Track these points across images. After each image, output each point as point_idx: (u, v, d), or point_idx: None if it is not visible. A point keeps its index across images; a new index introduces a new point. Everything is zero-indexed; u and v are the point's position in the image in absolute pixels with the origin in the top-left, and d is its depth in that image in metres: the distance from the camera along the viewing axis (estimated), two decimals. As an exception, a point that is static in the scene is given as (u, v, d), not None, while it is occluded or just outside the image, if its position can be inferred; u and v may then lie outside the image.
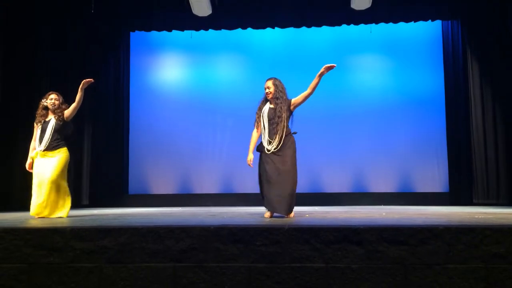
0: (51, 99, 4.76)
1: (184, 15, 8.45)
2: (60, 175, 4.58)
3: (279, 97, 4.32)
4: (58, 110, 4.75)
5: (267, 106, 4.38)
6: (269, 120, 4.29)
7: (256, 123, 4.44)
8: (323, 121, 8.90)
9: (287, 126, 4.30)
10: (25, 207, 4.67)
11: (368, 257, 2.66)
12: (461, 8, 8.45)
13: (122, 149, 9.11)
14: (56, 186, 4.54)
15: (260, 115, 4.37)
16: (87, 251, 2.78)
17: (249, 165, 4.40)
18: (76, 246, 2.79)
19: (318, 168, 8.83)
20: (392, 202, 8.30)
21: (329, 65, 4.21)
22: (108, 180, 8.83)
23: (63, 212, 4.59)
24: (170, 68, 9.49)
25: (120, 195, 8.91)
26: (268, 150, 4.22)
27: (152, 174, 9.14)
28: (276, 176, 4.14)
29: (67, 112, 4.77)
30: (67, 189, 4.68)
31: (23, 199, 4.67)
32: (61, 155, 4.65)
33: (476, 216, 4.09)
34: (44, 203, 4.47)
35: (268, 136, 4.26)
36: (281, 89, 4.36)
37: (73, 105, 4.79)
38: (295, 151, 4.29)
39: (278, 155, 4.20)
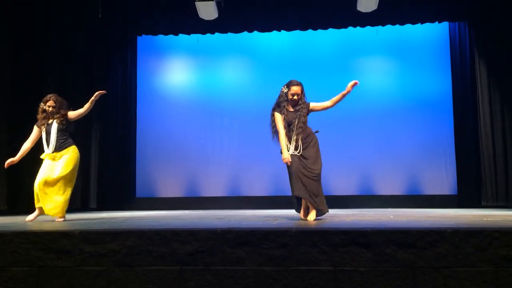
0: (48, 107, 4.78)
1: (190, 19, 8.48)
2: (70, 180, 4.64)
3: (302, 102, 4.39)
4: (57, 115, 4.77)
5: (287, 110, 4.38)
6: (289, 125, 4.34)
7: (277, 125, 4.38)
8: (329, 123, 8.84)
9: (305, 128, 4.40)
10: (34, 210, 4.71)
11: (376, 260, 2.65)
12: (469, 9, 8.39)
13: (130, 152, 9.15)
14: (64, 190, 4.58)
15: (283, 119, 4.35)
16: (95, 254, 2.79)
17: (287, 163, 4.33)
18: (84, 249, 2.80)
19: (324, 170, 8.74)
20: (399, 205, 8.25)
21: (352, 82, 4.41)
22: (115, 183, 8.86)
23: (60, 217, 4.62)
24: (177, 72, 9.53)
25: (127, 198, 8.94)
26: (299, 152, 4.31)
27: (159, 177, 9.16)
28: (305, 173, 4.28)
29: (72, 115, 4.81)
30: (70, 195, 4.70)
31: (32, 202, 4.71)
32: (69, 154, 4.69)
33: (485, 219, 4.06)
34: (50, 203, 4.54)
35: (294, 140, 4.32)
36: (304, 93, 4.45)
37: (80, 111, 4.83)
38: (318, 149, 4.48)
39: (304, 156, 4.32)
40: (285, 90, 4.38)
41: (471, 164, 8.35)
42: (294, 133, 4.31)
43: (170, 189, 9.11)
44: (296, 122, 4.30)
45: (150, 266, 2.74)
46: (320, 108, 4.49)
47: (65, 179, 4.62)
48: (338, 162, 8.76)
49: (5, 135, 7.18)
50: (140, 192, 9.14)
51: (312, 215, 4.30)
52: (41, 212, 4.64)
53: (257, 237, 2.74)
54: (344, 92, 4.37)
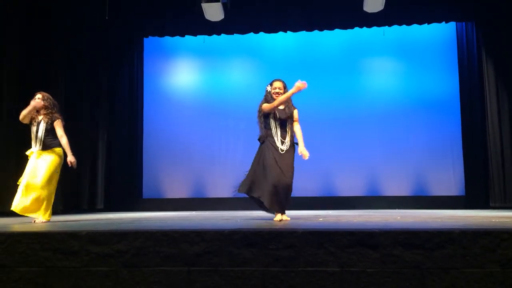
0: (35, 99, 4.79)
1: (196, 20, 8.50)
2: (49, 181, 4.63)
3: (288, 101, 4.48)
4: (44, 111, 4.77)
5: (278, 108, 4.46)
6: (281, 121, 4.40)
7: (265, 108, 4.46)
8: (336, 124, 8.87)
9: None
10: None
11: (384, 261, 2.64)
12: (476, 9, 8.35)
13: (136, 153, 9.19)
14: (44, 190, 4.60)
15: (270, 116, 4.44)
16: (102, 255, 2.80)
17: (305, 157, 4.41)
18: (92, 250, 2.81)
19: (331, 171, 8.79)
20: (406, 206, 8.22)
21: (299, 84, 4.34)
22: (122, 184, 8.91)
23: (44, 215, 4.63)
24: (183, 73, 9.56)
25: (134, 199, 8.98)
26: (282, 150, 4.34)
27: (166, 179, 9.19)
28: (278, 168, 4.25)
29: (57, 126, 4.77)
30: (53, 194, 4.71)
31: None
32: (53, 157, 4.69)
33: (493, 220, 4.03)
34: (30, 203, 4.56)
35: (281, 136, 4.38)
36: (287, 90, 4.51)
37: (61, 139, 4.78)
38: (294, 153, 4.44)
39: (284, 155, 4.33)
40: (269, 89, 4.57)
41: (479, 165, 8.30)
42: (284, 129, 4.40)
43: (176, 190, 9.13)
44: (288, 119, 4.42)
45: (157, 267, 2.75)
46: (293, 123, 4.49)
47: (46, 181, 4.62)
48: (345, 163, 8.75)
49: (14, 137, 7.21)
50: (146, 193, 9.18)
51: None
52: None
53: (264, 238, 2.74)
54: (289, 93, 4.38)
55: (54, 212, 5.32)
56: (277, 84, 4.54)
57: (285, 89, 4.52)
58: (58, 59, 8.17)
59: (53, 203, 4.81)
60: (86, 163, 8.43)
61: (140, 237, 2.81)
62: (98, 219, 5.19)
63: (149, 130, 9.36)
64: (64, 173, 4.99)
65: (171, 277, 2.73)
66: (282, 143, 4.37)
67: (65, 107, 7.51)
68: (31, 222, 4.59)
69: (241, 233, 2.77)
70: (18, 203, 4.57)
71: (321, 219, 4.48)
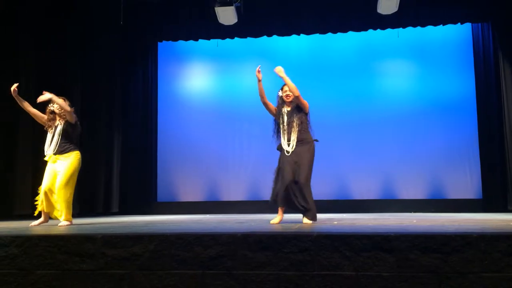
0: (56, 104, 4.84)
1: (210, 25, 8.56)
2: (66, 183, 4.67)
3: (295, 100, 4.57)
4: (63, 114, 4.82)
5: (285, 110, 4.60)
6: (288, 123, 4.49)
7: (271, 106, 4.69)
8: (351, 127, 8.81)
9: (306, 129, 4.53)
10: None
11: (400, 265, 2.61)
12: (492, 10, 8.24)
13: (151, 157, 9.25)
14: (63, 193, 4.65)
15: (279, 117, 4.59)
16: (118, 258, 2.82)
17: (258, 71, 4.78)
18: (107, 253, 2.83)
19: (346, 174, 8.73)
20: (422, 209, 8.11)
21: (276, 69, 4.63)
22: (137, 188, 8.97)
23: (66, 217, 4.68)
24: (197, 77, 9.61)
25: (149, 202, 9.03)
26: (288, 152, 4.42)
27: (180, 182, 9.23)
28: (293, 174, 4.34)
29: (67, 117, 4.82)
30: (71, 196, 4.76)
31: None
32: (71, 160, 4.73)
33: (511, 223, 3.96)
34: (51, 207, 4.69)
35: (287, 138, 4.47)
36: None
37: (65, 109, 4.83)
38: (313, 157, 4.47)
39: (296, 154, 4.39)
40: (280, 94, 4.69)
41: (496, 168, 8.17)
42: (291, 131, 4.47)
43: (190, 193, 9.16)
44: (294, 121, 4.48)
45: (172, 270, 2.76)
46: (298, 100, 4.56)
47: (65, 183, 4.67)
48: (360, 166, 8.68)
49: (30, 141, 7.31)
50: (161, 196, 9.23)
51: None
52: (46, 219, 4.74)
53: (278, 242, 2.73)
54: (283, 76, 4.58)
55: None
56: (286, 87, 4.62)
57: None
58: (71, 64, 8.25)
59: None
60: (101, 167, 8.51)
61: (154, 240, 2.82)
62: (113, 223, 5.23)
63: (163, 134, 9.41)
64: (80, 178, 5.04)
65: (185, 280, 2.73)
66: (288, 145, 4.44)
67: (80, 111, 7.60)
68: (50, 225, 4.66)
69: (255, 236, 2.77)
70: (42, 207, 4.69)
71: (336, 223, 4.45)
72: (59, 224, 4.64)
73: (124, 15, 7.93)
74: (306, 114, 4.58)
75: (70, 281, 2.82)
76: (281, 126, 4.55)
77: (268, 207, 4.72)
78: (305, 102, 4.56)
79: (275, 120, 4.69)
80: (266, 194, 8.60)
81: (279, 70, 4.58)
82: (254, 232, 2.83)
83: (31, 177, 7.17)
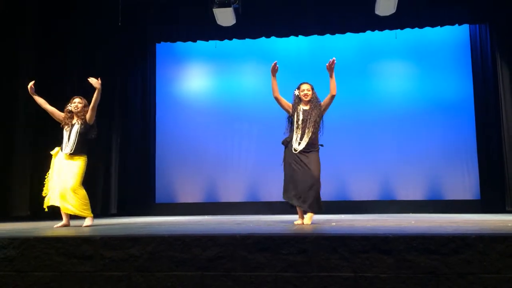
0: (74, 103, 4.88)
1: (208, 26, 8.56)
2: (79, 182, 4.73)
3: (313, 101, 4.58)
4: (81, 113, 4.85)
5: (301, 108, 4.57)
6: (302, 122, 4.48)
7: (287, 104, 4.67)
8: (349, 128, 8.82)
9: (318, 131, 4.55)
10: (56, 216, 4.80)
11: (398, 266, 2.61)
12: (490, 11, 8.26)
13: (149, 158, 9.24)
14: (78, 192, 4.68)
15: (294, 114, 4.56)
16: (116, 260, 2.81)
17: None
18: (105, 255, 2.83)
19: (344, 175, 8.74)
20: (420, 210, 8.12)
21: (328, 63, 4.52)
22: (135, 189, 8.96)
23: (88, 215, 4.73)
24: (195, 78, 9.60)
25: (147, 204, 9.02)
26: (296, 150, 4.43)
27: (178, 183, 9.22)
28: (302, 173, 4.38)
29: (88, 115, 4.84)
30: (86, 195, 4.80)
31: (55, 207, 4.81)
32: (80, 162, 4.75)
33: (510, 224, 3.96)
34: (73, 207, 4.67)
35: (300, 137, 4.46)
36: (316, 94, 4.65)
37: (90, 106, 4.87)
38: (319, 160, 4.51)
39: (305, 156, 4.42)
40: (296, 93, 4.66)
41: (494, 168, 8.18)
42: (304, 130, 4.47)
43: (189, 194, 9.15)
44: (309, 120, 4.48)
45: (170, 271, 2.75)
46: (327, 100, 4.62)
47: (79, 183, 4.72)
48: (358, 167, 8.69)
49: (27, 142, 7.30)
50: (159, 198, 9.21)
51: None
52: (68, 222, 4.74)
53: (277, 243, 2.73)
54: (329, 74, 4.58)
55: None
56: (305, 86, 4.61)
57: (313, 90, 4.62)
58: (70, 66, 8.24)
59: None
60: (99, 168, 8.49)
61: (153, 242, 2.81)
62: (111, 224, 5.23)
63: (162, 135, 9.40)
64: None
65: (184, 282, 2.73)
66: (299, 143, 4.44)
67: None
68: (49, 227, 4.66)
69: (254, 237, 2.77)
70: (64, 208, 4.67)
71: (334, 224, 4.45)
72: (84, 225, 4.66)
73: (122, 16, 7.93)
74: (322, 116, 4.59)
75: (68, 283, 2.81)
76: (295, 124, 4.52)
77: (289, 207, 4.76)
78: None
79: (288, 117, 4.67)
80: (265, 195, 8.75)
81: (333, 61, 4.52)
82: (252, 234, 2.83)
83: (29, 179, 7.16)
